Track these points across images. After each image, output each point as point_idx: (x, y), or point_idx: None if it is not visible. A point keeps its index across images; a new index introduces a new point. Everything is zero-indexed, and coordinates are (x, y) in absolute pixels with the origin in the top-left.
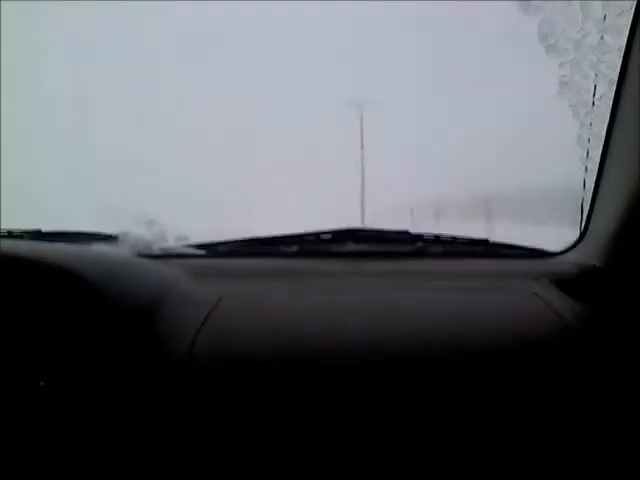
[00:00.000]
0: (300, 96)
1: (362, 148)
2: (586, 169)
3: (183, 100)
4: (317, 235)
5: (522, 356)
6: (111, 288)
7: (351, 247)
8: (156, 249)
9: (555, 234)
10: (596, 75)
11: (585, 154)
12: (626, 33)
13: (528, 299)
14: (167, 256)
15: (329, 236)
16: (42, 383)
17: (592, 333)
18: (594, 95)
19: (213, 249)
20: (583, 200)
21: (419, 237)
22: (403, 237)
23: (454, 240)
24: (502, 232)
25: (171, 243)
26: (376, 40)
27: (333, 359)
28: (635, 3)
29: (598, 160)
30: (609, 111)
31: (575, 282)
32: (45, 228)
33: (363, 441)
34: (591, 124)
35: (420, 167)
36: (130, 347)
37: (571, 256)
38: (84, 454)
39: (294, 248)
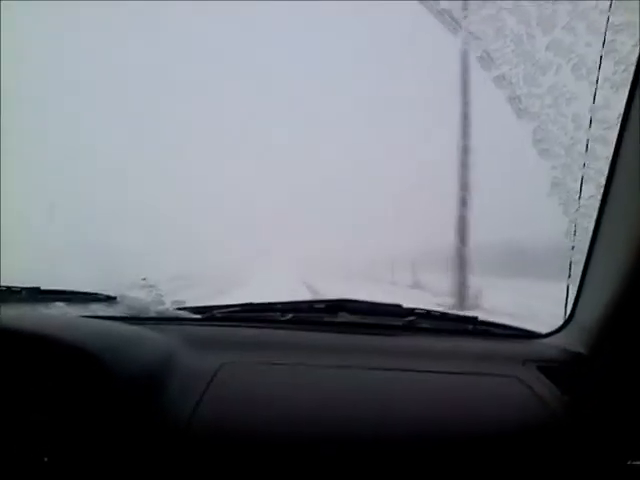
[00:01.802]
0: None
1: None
2: (571, 261)
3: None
4: (311, 304)
5: (506, 443)
6: (112, 362)
7: (344, 318)
8: (153, 312)
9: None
10: (583, 178)
11: (571, 246)
12: (613, 143)
13: (514, 385)
14: (164, 319)
15: (322, 305)
16: (46, 459)
17: (575, 422)
18: (580, 195)
19: (209, 314)
20: (569, 287)
21: (410, 311)
22: (395, 310)
23: (444, 316)
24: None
25: (168, 306)
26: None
27: (325, 443)
28: (622, 116)
29: (585, 250)
30: (596, 209)
31: (561, 369)
32: (44, 285)
33: None
34: (577, 223)
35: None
36: (129, 421)
37: (557, 339)
38: None
39: (288, 316)
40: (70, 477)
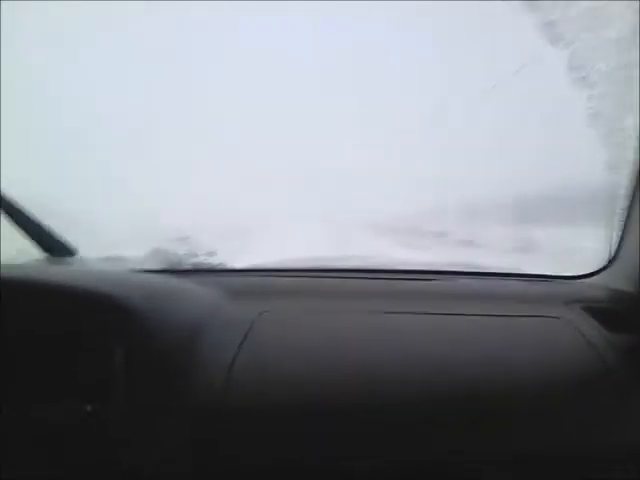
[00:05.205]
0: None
1: None
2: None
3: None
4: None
5: (554, 385)
6: (154, 314)
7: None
8: (188, 265)
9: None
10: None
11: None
12: None
13: (559, 326)
14: (200, 271)
15: None
16: (89, 408)
17: (624, 361)
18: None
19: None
20: (612, 224)
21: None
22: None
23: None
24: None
25: (201, 259)
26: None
27: (368, 386)
28: None
29: (629, 184)
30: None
31: (606, 308)
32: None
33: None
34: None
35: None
36: (171, 373)
37: (601, 279)
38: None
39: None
40: (112, 425)
